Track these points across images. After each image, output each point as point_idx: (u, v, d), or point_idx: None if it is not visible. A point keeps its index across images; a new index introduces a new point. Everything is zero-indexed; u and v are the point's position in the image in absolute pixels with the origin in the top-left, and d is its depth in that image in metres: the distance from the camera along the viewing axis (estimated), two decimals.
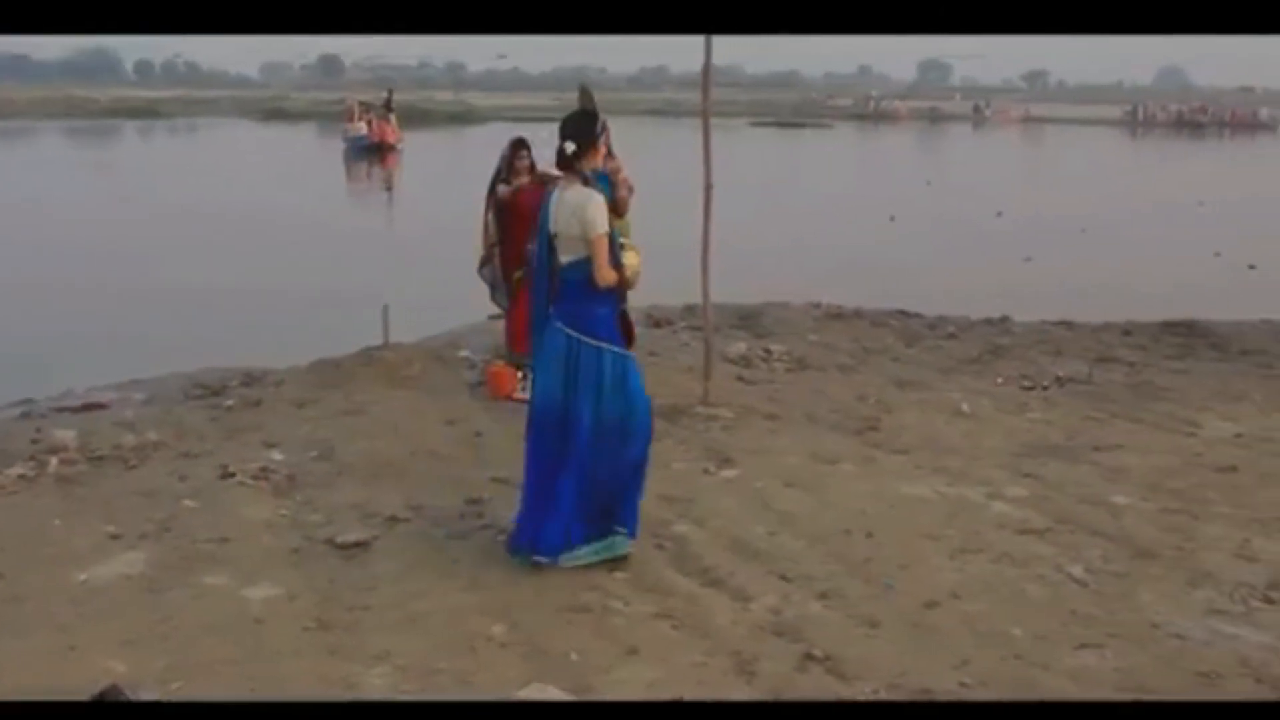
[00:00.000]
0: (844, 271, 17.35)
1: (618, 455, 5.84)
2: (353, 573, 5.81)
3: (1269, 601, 5.49)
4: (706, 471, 7.38)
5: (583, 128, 5.89)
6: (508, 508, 6.64)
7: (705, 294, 9.09)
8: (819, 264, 18.33)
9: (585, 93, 6.58)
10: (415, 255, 19.14)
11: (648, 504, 6.62)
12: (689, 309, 11.75)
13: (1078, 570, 5.84)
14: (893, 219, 25.70)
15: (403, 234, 24.38)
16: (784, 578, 5.70)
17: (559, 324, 5.81)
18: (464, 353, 10.69)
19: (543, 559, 5.79)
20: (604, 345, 5.80)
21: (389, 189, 37.30)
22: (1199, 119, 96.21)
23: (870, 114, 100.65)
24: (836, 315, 12.91)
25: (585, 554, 5.84)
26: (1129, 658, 4.95)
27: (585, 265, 5.73)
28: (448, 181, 31.22)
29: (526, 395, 8.93)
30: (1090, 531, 6.38)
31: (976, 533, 6.33)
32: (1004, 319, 13.01)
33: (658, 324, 12.13)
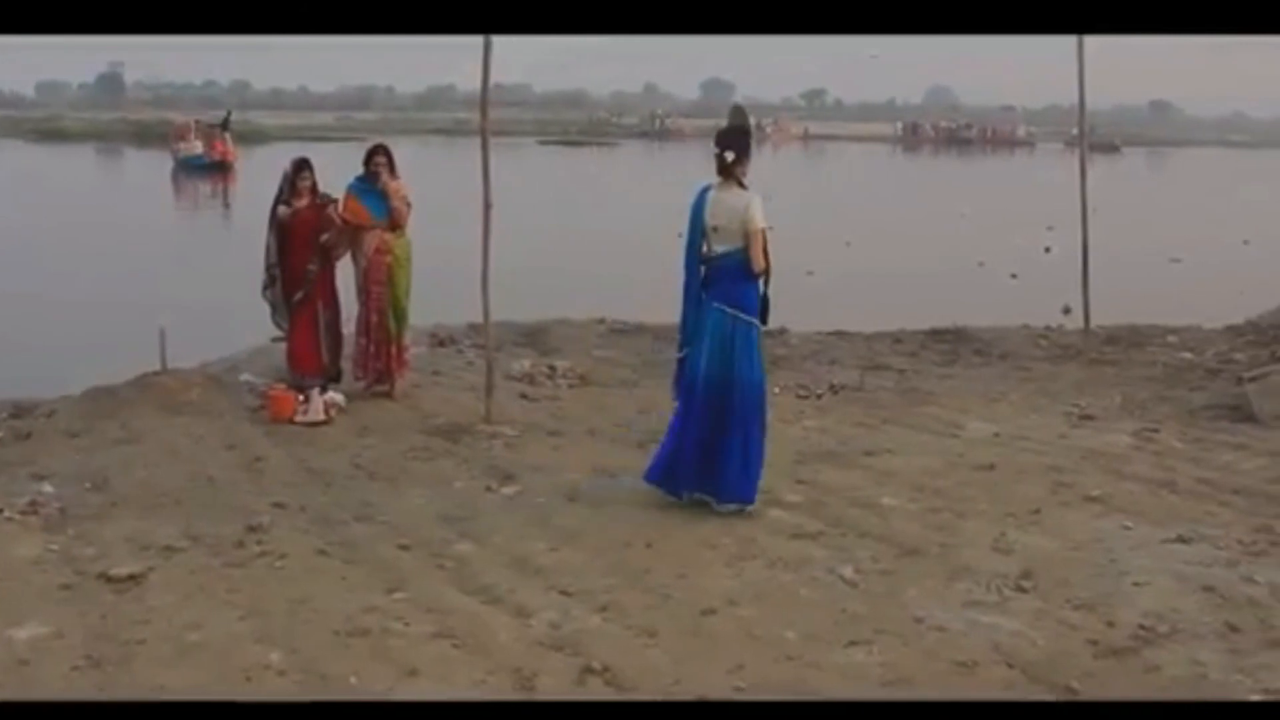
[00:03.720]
0: (631, 287, 17.56)
1: (756, 413, 7.04)
2: (126, 606, 5.64)
3: (1021, 590, 5.82)
4: (488, 489, 7.41)
5: (738, 140, 7.04)
6: (289, 533, 6.58)
7: (485, 312, 9.15)
8: (606, 280, 18.53)
9: (739, 110, 7.58)
10: (207, 277, 18.60)
11: (427, 525, 6.68)
12: (473, 327, 11.75)
13: (848, 571, 6.07)
14: (680, 235, 26.12)
15: (204, 254, 23.56)
16: (564, 592, 5.76)
17: (716, 303, 6.94)
18: (245, 376, 10.44)
19: (745, 506, 6.93)
20: (753, 321, 6.97)
21: (227, 206, 36.47)
22: (965, 136, 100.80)
23: (655, 132, 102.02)
24: (620, 331, 13.08)
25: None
26: (893, 652, 5.18)
27: (739, 254, 6.88)
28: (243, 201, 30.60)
29: (307, 418, 8.88)
30: (860, 533, 6.65)
31: (753, 539, 6.52)
32: (782, 330, 13.33)
33: (441, 343, 12.09)
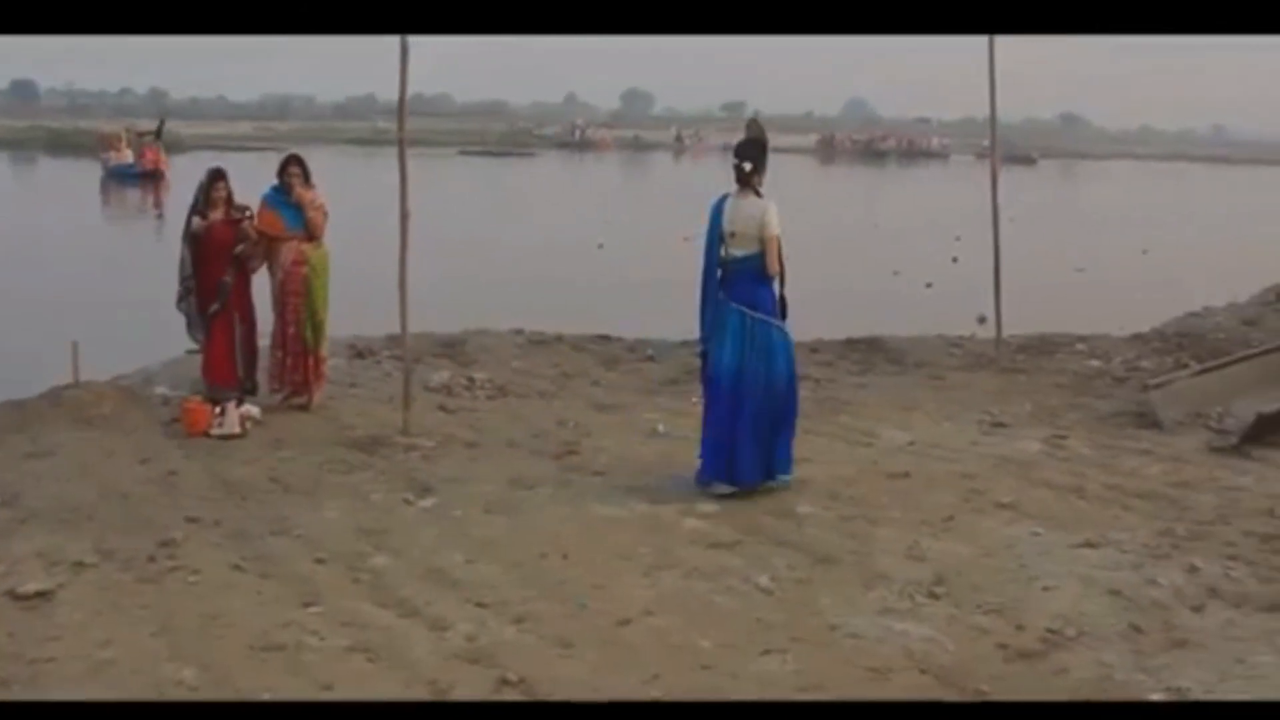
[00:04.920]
0: (550, 298, 17.58)
1: (783, 406, 7.59)
2: (34, 625, 5.55)
3: (933, 597, 5.92)
4: (406, 502, 7.37)
5: (755, 152, 7.51)
6: (203, 548, 6.51)
7: (403, 322, 9.12)
8: (525, 291, 18.49)
9: (755, 123, 7.98)
10: (128, 286, 18.29)
11: (344, 538, 6.63)
12: (392, 339, 11.67)
13: (764, 580, 6.13)
14: (601, 246, 26.23)
15: (127, 264, 23.10)
16: (481, 604, 5.76)
17: (734, 304, 7.47)
18: (159, 389, 10.30)
19: (742, 486, 7.45)
20: (770, 320, 7.49)
21: (160, 216, 36.01)
22: (882, 147, 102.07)
23: (575, 142, 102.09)
24: (539, 341, 13.04)
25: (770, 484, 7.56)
26: (808, 659, 5.24)
27: (756, 258, 7.42)
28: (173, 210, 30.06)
29: (222, 431, 8.78)
30: (776, 542, 6.71)
31: (669, 549, 6.55)
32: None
33: (360, 354, 11.98)
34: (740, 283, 7.50)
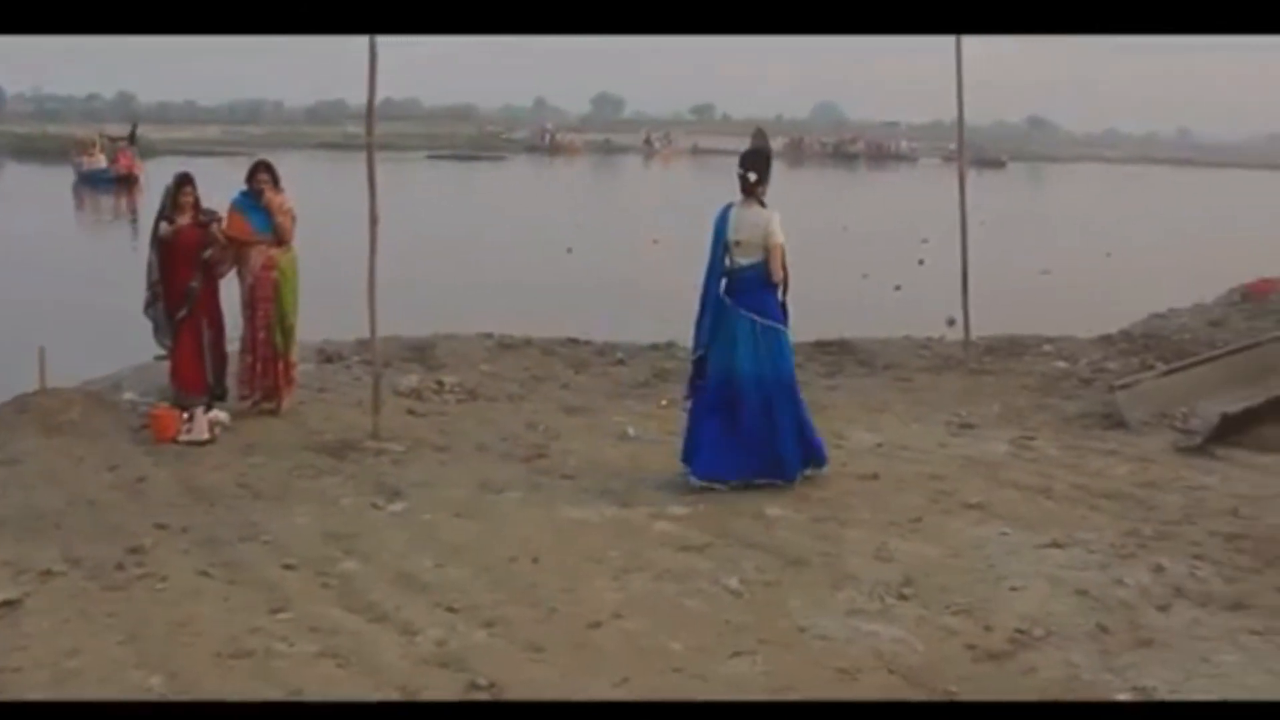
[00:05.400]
0: (518, 302, 17.58)
1: (799, 402, 7.87)
2: (1, 634, 5.49)
3: (902, 598, 5.94)
4: (375, 506, 7.36)
5: (760, 163, 7.75)
6: (171, 554, 6.47)
7: (373, 327, 9.10)
8: (494, 295, 18.49)
9: (761, 134, 8.30)
10: (97, 291, 18.16)
11: (313, 544, 6.62)
12: (361, 343, 11.63)
13: (733, 582, 6.14)
14: (570, 250, 26.22)
15: (97, 268, 22.89)
16: (450, 609, 5.75)
17: (743, 311, 7.67)
18: (127, 395, 10.25)
19: (790, 479, 7.69)
20: (778, 325, 7.70)
21: (134, 220, 35.82)
22: (850, 150, 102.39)
23: (545, 146, 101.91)
24: (508, 345, 13.02)
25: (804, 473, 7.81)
26: (777, 661, 5.26)
27: (761, 266, 7.64)
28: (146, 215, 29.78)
29: (191, 437, 8.74)
30: (746, 544, 6.72)
31: (639, 552, 6.56)
32: (670, 344, 13.37)
33: (329, 359, 11.95)
34: (747, 290, 7.70)
